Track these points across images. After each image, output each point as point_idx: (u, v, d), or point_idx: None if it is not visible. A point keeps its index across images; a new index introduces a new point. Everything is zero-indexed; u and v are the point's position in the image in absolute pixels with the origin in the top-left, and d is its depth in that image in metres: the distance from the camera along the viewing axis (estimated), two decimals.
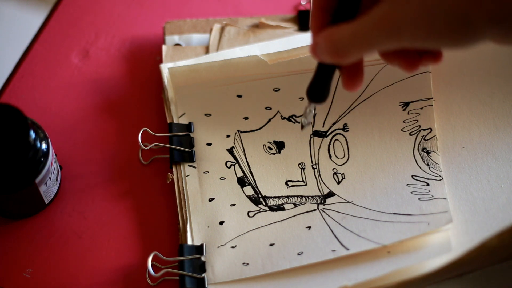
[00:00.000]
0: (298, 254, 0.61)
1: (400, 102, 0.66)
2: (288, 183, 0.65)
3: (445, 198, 0.62)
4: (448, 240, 0.59)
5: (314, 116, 0.58)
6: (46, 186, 0.61)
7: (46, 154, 0.60)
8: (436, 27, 0.46)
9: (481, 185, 0.63)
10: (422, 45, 0.48)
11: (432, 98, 0.66)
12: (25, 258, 0.62)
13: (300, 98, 0.66)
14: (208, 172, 0.65)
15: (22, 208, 0.63)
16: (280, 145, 0.66)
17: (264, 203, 0.64)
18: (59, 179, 0.64)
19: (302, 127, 0.57)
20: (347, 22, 0.49)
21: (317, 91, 0.52)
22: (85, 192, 0.65)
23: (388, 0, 0.48)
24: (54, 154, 0.62)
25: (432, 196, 0.62)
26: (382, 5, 0.48)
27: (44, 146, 0.60)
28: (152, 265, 0.60)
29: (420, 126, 0.66)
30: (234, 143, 0.66)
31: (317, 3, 0.52)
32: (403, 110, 0.66)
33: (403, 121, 0.66)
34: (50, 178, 0.61)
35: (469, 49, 0.46)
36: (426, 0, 0.46)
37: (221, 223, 0.63)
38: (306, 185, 0.64)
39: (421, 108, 0.66)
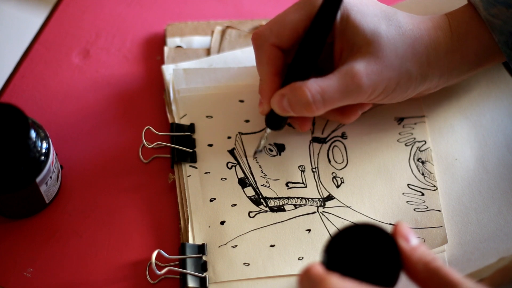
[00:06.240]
0: (299, 259, 0.61)
1: (395, 117, 0.67)
2: (289, 184, 0.65)
3: (439, 211, 0.63)
4: (443, 255, 0.61)
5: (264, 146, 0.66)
6: (47, 185, 0.61)
7: (46, 153, 0.60)
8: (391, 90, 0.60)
9: (473, 196, 0.64)
10: (375, 101, 0.61)
11: (424, 116, 0.67)
12: (26, 258, 0.62)
13: None
14: (209, 172, 0.65)
15: (22, 207, 0.62)
16: (280, 147, 0.66)
17: (264, 204, 0.64)
18: (59, 178, 0.64)
19: (255, 153, 0.65)
20: (309, 79, 0.58)
21: (277, 122, 0.63)
22: (86, 192, 0.65)
23: (350, 60, 0.58)
24: (54, 154, 0.62)
25: (427, 207, 0.63)
26: (347, 66, 0.58)
27: (44, 145, 0.60)
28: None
29: (415, 138, 0.67)
30: (235, 144, 0.66)
31: (273, 68, 0.61)
32: (398, 124, 0.67)
33: (399, 133, 0.67)
34: (51, 177, 0.61)
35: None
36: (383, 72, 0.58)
37: (222, 223, 0.63)
38: (306, 187, 0.65)
39: (415, 124, 0.67)
